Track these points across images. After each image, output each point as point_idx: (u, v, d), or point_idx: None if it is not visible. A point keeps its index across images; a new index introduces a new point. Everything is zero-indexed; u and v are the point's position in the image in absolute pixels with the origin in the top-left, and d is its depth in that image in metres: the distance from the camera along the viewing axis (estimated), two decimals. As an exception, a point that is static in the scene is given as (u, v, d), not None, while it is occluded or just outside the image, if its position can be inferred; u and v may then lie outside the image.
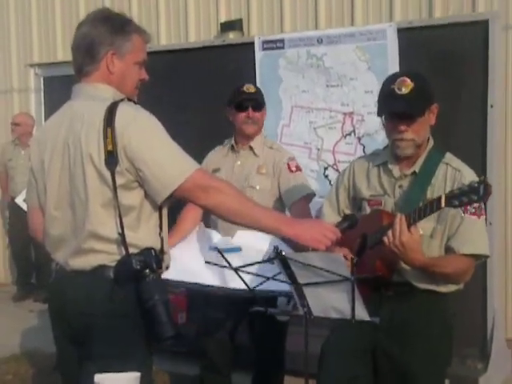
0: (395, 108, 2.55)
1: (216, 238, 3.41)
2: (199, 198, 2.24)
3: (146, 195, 2.26)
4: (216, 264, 2.77)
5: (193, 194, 2.23)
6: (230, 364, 3.57)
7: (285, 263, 2.39)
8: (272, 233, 2.52)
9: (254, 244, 3.24)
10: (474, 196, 2.25)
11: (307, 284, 2.40)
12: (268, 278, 2.60)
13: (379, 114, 2.66)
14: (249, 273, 2.62)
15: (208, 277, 3.25)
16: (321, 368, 2.73)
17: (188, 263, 3.39)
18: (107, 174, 2.19)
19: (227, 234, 3.44)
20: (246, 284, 2.65)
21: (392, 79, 2.62)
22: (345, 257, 2.55)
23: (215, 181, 2.35)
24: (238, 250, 3.04)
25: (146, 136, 2.20)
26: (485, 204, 2.57)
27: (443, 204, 2.31)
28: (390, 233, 2.40)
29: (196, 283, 3.22)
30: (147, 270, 2.18)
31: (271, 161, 3.54)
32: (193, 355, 3.93)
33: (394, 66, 4.27)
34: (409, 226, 2.39)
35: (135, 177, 2.21)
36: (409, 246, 2.38)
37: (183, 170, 2.20)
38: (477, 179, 2.52)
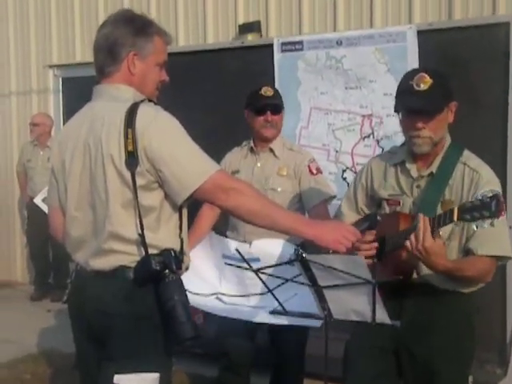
0: (413, 104, 2.52)
1: (232, 246, 3.40)
2: (219, 199, 2.24)
3: (166, 196, 2.27)
4: (238, 266, 2.77)
5: (213, 195, 2.23)
6: (249, 365, 3.56)
7: (305, 265, 2.39)
8: (292, 234, 2.51)
9: (272, 252, 3.24)
10: (485, 212, 2.23)
11: (328, 286, 2.40)
12: (287, 280, 2.59)
13: (396, 109, 2.64)
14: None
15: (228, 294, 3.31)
16: (346, 367, 2.75)
17: (204, 274, 3.40)
18: (127, 175, 2.20)
19: (247, 240, 3.44)
20: (267, 287, 2.64)
21: (411, 75, 2.59)
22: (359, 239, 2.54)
23: (236, 182, 2.35)
24: (256, 260, 3.03)
25: (166, 136, 2.20)
26: (505, 202, 2.54)
27: (455, 218, 2.30)
28: (412, 237, 2.37)
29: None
30: (167, 271, 2.18)
31: (292, 163, 3.53)
32: (211, 356, 3.93)
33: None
34: (432, 232, 2.36)
35: (155, 177, 2.22)
36: (432, 251, 2.35)
37: (203, 170, 2.21)
38: (495, 179, 2.51)
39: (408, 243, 2.38)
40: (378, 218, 2.62)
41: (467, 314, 2.67)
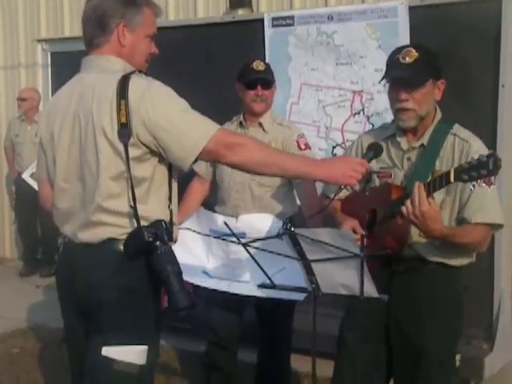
0: (396, 75, 2.56)
1: (219, 220, 3.40)
2: (225, 156, 2.23)
3: (157, 167, 2.26)
4: (224, 239, 2.77)
5: (218, 154, 2.22)
6: (236, 341, 3.58)
7: (294, 239, 2.38)
8: (302, 178, 2.54)
9: (259, 227, 3.24)
10: (483, 170, 2.23)
11: (316, 260, 2.40)
12: (275, 253, 2.59)
13: (381, 80, 2.67)
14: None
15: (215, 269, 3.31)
16: (340, 348, 2.77)
17: (192, 249, 3.40)
18: (120, 147, 2.18)
19: (234, 214, 3.44)
20: (256, 261, 2.64)
21: (399, 50, 2.63)
22: (354, 230, 2.55)
23: (238, 137, 2.38)
24: (243, 234, 3.03)
25: (162, 105, 2.19)
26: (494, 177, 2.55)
27: (452, 179, 2.30)
28: (408, 203, 2.37)
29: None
30: (158, 243, 2.17)
31: (280, 137, 3.52)
32: (199, 331, 3.94)
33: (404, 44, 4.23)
34: (427, 196, 2.36)
35: (153, 148, 2.20)
36: (428, 216, 2.36)
37: (205, 131, 2.19)
38: (485, 149, 2.52)
39: (404, 209, 2.39)
40: (381, 145, 2.63)
41: (455, 292, 2.69)
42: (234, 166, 2.33)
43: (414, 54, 2.55)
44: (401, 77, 2.55)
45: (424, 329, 2.62)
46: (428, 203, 2.34)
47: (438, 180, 2.36)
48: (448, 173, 2.32)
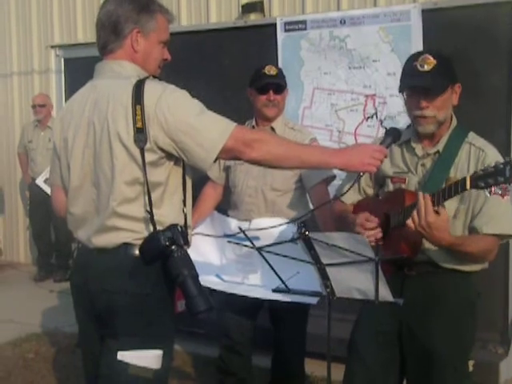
0: (417, 83, 2.54)
1: (233, 224, 3.41)
2: (244, 153, 2.24)
3: (172, 171, 2.27)
4: (238, 243, 2.77)
5: (237, 151, 2.23)
6: (250, 345, 3.58)
7: (308, 243, 2.38)
8: (321, 167, 2.54)
9: (272, 231, 3.24)
10: (500, 177, 2.22)
11: (331, 264, 2.40)
12: (289, 258, 2.58)
13: (400, 89, 2.65)
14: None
15: (228, 273, 3.31)
16: (351, 353, 2.75)
17: (206, 254, 3.40)
18: (136, 152, 2.19)
19: (247, 218, 3.44)
20: (271, 265, 2.64)
21: (415, 57, 2.61)
22: (367, 219, 2.56)
23: (255, 133, 2.41)
24: (256, 238, 3.04)
25: (179, 108, 2.19)
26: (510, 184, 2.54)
27: (468, 186, 2.28)
28: (415, 214, 2.36)
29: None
30: (174, 247, 2.18)
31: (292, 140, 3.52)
32: (213, 336, 3.94)
33: (417, 48, 4.21)
34: (434, 206, 2.35)
35: (172, 151, 2.21)
36: (435, 226, 2.34)
37: (223, 130, 2.20)
38: (500, 158, 2.49)
39: (410, 221, 2.38)
40: (400, 130, 2.61)
41: (468, 297, 2.67)
42: (254, 162, 2.32)
43: (432, 60, 2.53)
44: (421, 85, 2.53)
45: (436, 334, 2.60)
46: (434, 213, 2.33)
47: (454, 187, 2.34)
48: (464, 180, 2.30)
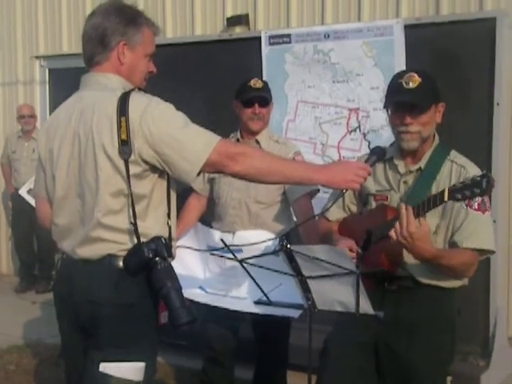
0: (402, 99, 2.58)
1: (217, 236, 3.42)
2: (228, 167, 2.25)
3: (156, 184, 2.28)
4: (222, 256, 2.78)
5: (221, 164, 2.24)
6: (233, 357, 3.58)
7: (290, 256, 2.40)
8: (304, 183, 2.54)
9: (254, 243, 3.26)
10: (476, 189, 2.26)
11: (312, 277, 2.41)
12: (271, 270, 2.60)
13: (385, 106, 2.68)
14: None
15: (211, 285, 3.32)
16: (324, 361, 2.73)
17: (190, 266, 3.40)
18: (120, 163, 2.20)
19: (231, 230, 3.45)
20: (253, 278, 2.65)
21: (400, 74, 2.66)
22: (350, 249, 2.56)
23: (239, 147, 2.43)
24: (239, 251, 3.05)
25: (163, 121, 2.21)
26: (489, 198, 2.57)
27: (446, 198, 2.32)
28: (397, 224, 2.39)
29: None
30: (157, 259, 2.19)
31: (277, 154, 3.54)
32: (195, 348, 3.94)
33: (400, 63, 4.27)
34: (416, 217, 2.38)
35: (156, 163, 2.22)
36: (417, 237, 2.37)
37: (207, 143, 2.21)
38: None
39: (393, 231, 2.41)
40: (384, 149, 2.63)
41: (447, 313, 2.69)
42: (237, 176, 2.34)
43: (417, 78, 2.57)
44: (407, 101, 2.56)
45: (414, 349, 2.61)
46: (415, 224, 2.36)
47: (433, 199, 2.38)
48: (442, 192, 2.34)
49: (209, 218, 3.70)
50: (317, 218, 2.97)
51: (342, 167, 2.40)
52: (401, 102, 2.59)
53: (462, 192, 2.28)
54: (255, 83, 3.52)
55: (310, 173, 2.35)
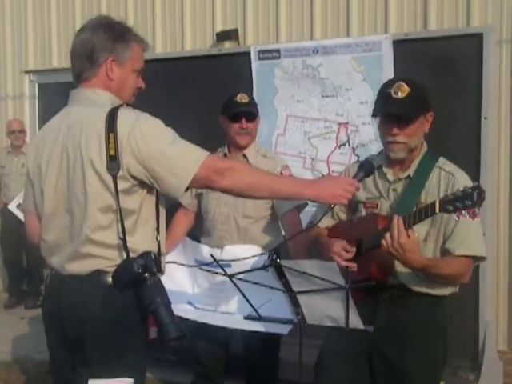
0: (389, 110, 2.60)
1: (205, 251, 3.41)
2: (216, 182, 2.25)
3: (145, 199, 2.29)
4: (209, 270, 2.78)
5: (209, 180, 2.25)
6: (222, 372, 3.56)
7: (279, 271, 2.40)
8: (293, 198, 2.54)
9: (243, 258, 3.25)
10: (467, 201, 2.28)
11: (302, 292, 2.41)
12: (260, 285, 2.60)
13: (373, 114, 2.69)
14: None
15: (200, 300, 3.30)
16: (319, 370, 2.75)
17: (178, 281, 3.40)
18: (109, 179, 2.20)
19: (220, 245, 3.45)
20: (242, 293, 2.65)
21: (390, 84, 2.66)
22: (345, 249, 2.56)
23: (227, 162, 2.43)
24: (227, 266, 3.05)
25: (151, 136, 2.21)
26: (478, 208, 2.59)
27: (437, 210, 2.34)
28: (387, 235, 2.40)
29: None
30: (147, 274, 2.19)
31: (264, 169, 3.53)
32: (185, 363, 3.92)
33: (388, 77, 4.23)
34: (406, 229, 2.40)
35: (145, 179, 2.22)
36: (407, 248, 2.38)
37: (195, 159, 2.22)
38: (470, 183, 2.56)
39: (383, 241, 2.42)
40: (373, 164, 2.64)
41: (438, 320, 2.70)
42: (225, 191, 2.34)
43: (406, 88, 2.58)
44: (394, 112, 2.58)
45: (407, 357, 2.63)
46: (406, 235, 2.38)
47: (424, 211, 2.39)
48: (434, 204, 2.36)
49: (197, 232, 3.70)
50: (304, 232, 2.97)
51: (330, 182, 2.42)
52: (388, 113, 2.61)
53: (454, 204, 2.30)
54: (241, 98, 3.53)
55: (299, 188, 2.36)
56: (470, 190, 2.28)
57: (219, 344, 3.48)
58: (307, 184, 2.43)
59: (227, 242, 3.45)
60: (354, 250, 2.62)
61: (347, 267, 2.43)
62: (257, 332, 3.06)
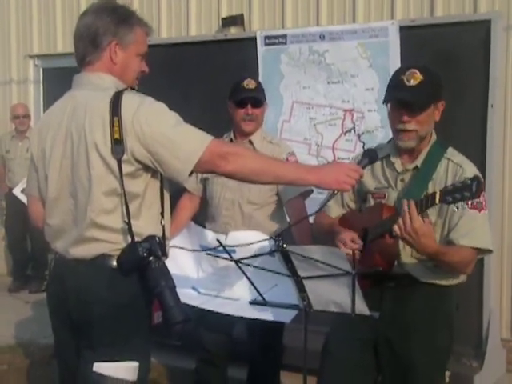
0: (401, 97, 2.57)
1: (210, 236, 3.41)
2: (220, 166, 2.25)
3: (150, 183, 2.29)
4: (217, 256, 2.78)
5: (213, 164, 2.24)
6: (226, 357, 3.58)
7: (286, 256, 2.40)
8: (296, 183, 2.56)
9: (249, 243, 3.26)
10: (466, 193, 2.28)
11: (308, 277, 2.41)
12: (266, 270, 2.60)
13: (384, 101, 2.67)
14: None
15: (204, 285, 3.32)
16: (325, 358, 2.75)
17: (182, 265, 3.40)
18: (113, 163, 2.20)
19: (224, 231, 3.45)
20: (249, 278, 2.65)
21: (403, 70, 2.65)
22: (352, 241, 2.56)
23: (231, 146, 2.43)
24: (232, 251, 3.05)
25: (156, 120, 2.21)
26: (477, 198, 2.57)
27: (437, 200, 2.34)
28: (400, 221, 2.38)
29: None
30: (151, 258, 2.19)
31: (270, 155, 3.53)
32: (189, 348, 3.94)
33: (395, 64, 4.26)
34: (419, 213, 2.38)
35: (149, 163, 2.22)
36: (421, 232, 2.36)
37: (199, 143, 2.22)
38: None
39: (396, 227, 2.39)
40: (377, 152, 2.62)
41: (445, 310, 2.70)
42: (229, 176, 2.35)
43: (419, 76, 2.56)
44: (406, 99, 2.56)
45: (413, 346, 2.63)
46: (420, 219, 2.36)
47: (425, 201, 2.39)
48: (434, 194, 2.36)
49: (202, 218, 3.70)
50: (311, 218, 2.96)
51: (334, 168, 2.41)
52: (399, 99, 2.59)
53: (453, 195, 2.30)
54: (248, 83, 3.51)
55: (302, 173, 2.36)
56: (469, 182, 2.28)
57: (223, 330, 3.49)
58: (310, 170, 2.43)
59: (231, 228, 3.45)
60: (360, 243, 2.60)
61: (354, 253, 2.42)
62: (260, 320, 3.07)
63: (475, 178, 2.28)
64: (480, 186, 2.26)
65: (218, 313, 3.23)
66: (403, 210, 2.38)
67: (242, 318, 3.33)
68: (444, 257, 2.50)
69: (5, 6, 7.99)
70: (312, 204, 3.44)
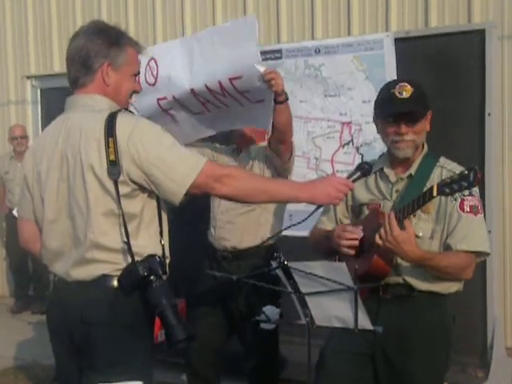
0: (399, 109, 2.59)
1: None
2: (214, 189, 2.27)
3: (146, 203, 2.29)
4: (220, 276, 2.79)
5: (208, 186, 2.26)
6: (217, 374, 3.57)
7: (287, 273, 2.39)
8: (289, 202, 2.65)
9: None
10: (464, 183, 2.31)
11: (310, 293, 2.41)
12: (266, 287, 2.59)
13: (378, 117, 2.70)
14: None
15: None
16: (321, 371, 2.73)
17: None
18: (109, 184, 2.21)
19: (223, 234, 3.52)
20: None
21: (391, 85, 2.68)
22: (349, 231, 2.61)
23: (225, 169, 2.42)
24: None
25: (151, 142, 2.22)
26: (470, 191, 2.58)
27: (435, 193, 2.38)
28: (381, 231, 2.46)
29: None
30: (152, 277, 2.19)
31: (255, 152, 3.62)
32: (180, 364, 3.93)
33: (391, 76, 4.27)
34: (400, 220, 2.44)
35: (144, 184, 2.23)
36: (401, 239, 2.42)
37: (194, 165, 2.23)
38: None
39: (377, 237, 2.47)
40: (371, 165, 2.63)
41: (442, 320, 2.70)
42: (225, 198, 2.38)
43: (409, 88, 2.60)
44: (405, 111, 2.58)
45: (410, 357, 2.63)
46: (398, 228, 2.42)
47: (422, 196, 2.43)
48: (431, 188, 2.40)
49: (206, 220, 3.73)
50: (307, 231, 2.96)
51: (323, 183, 2.44)
52: (398, 112, 2.60)
53: (451, 186, 2.34)
54: None
55: (295, 192, 2.39)
56: (466, 172, 2.32)
57: (210, 344, 3.50)
58: (302, 187, 2.45)
59: (230, 228, 3.51)
60: (357, 231, 2.61)
61: (355, 269, 2.42)
62: (253, 333, 3.07)
63: (472, 168, 2.31)
64: (477, 175, 2.29)
65: (212, 325, 3.33)
66: (384, 220, 2.44)
67: (234, 335, 3.34)
68: (430, 262, 2.52)
69: (1, 27, 8.03)
70: (302, 216, 3.43)
